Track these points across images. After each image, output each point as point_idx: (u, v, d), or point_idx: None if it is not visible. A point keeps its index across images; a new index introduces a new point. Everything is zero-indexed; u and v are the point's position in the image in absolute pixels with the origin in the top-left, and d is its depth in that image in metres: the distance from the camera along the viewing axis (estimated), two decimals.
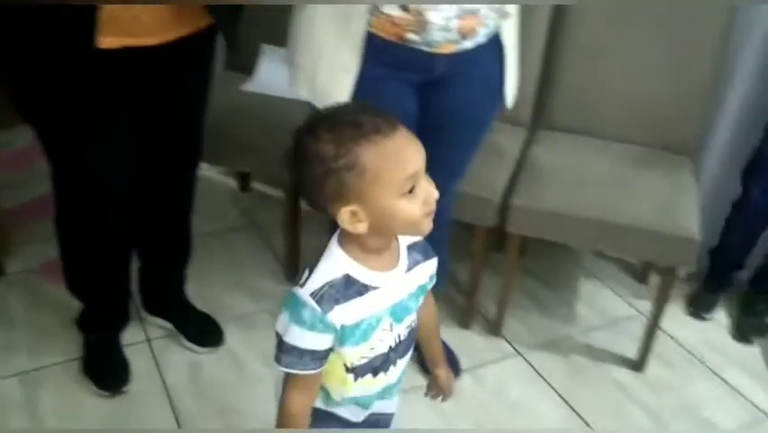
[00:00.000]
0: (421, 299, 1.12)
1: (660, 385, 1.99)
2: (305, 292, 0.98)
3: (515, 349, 2.06)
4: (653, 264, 2.34)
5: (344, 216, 0.93)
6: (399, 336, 1.08)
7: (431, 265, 1.11)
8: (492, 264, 2.13)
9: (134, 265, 1.87)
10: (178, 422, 1.73)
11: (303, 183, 0.95)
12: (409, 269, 1.06)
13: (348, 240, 0.99)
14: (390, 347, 1.07)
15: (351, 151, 0.90)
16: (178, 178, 1.79)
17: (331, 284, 0.97)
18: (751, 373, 2.06)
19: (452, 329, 2.09)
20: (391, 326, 1.06)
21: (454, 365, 1.94)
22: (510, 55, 1.54)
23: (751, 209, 2.12)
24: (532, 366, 2.01)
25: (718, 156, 2.23)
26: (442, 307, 2.09)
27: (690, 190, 1.96)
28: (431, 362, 1.30)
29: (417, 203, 0.94)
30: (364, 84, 1.41)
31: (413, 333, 1.13)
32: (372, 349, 1.05)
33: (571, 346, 2.10)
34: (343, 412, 1.14)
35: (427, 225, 0.97)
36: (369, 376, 1.08)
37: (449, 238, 1.84)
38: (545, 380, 1.96)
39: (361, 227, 0.94)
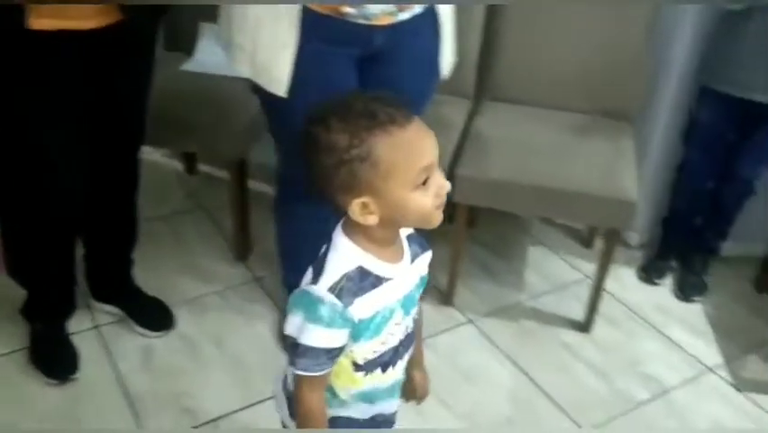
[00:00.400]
0: (421, 291, 1.10)
1: (606, 344, 2.05)
2: (321, 288, 0.94)
3: (466, 317, 2.10)
4: (597, 229, 2.40)
5: (355, 207, 0.91)
6: (407, 329, 1.07)
7: (428, 256, 1.10)
8: (442, 235, 2.15)
9: (79, 251, 1.84)
10: (130, 408, 1.71)
11: (312, 173, 0.92)
12: (413, 260, 1.05)
13: (355, 231, 0.96)
14: (400, 340, 1.05)
15: (364, 141, 0.87)
16: (123, 161, 1.76)
17: (348, 277, 0.94)
18: (693, 330, 2.14)
19: None
20: (402, 318, 1.04)
21: None
22: (446, 24, 1.55)
23: (691, 172, 2.19)
24: (483, 333, 2.05)
25: (662, 124, 2.29)
26: None
27: (629, 155, 2.01)
28: (409, 362, 1.22)
29: (430, 195, 0.91)
30: (305, 59, 1.40)
31: (415, 325, 1.11)
32: (383, 343, 1.03)
33: (520, 312, 2.15)
34: (350, 412, 1.11)
35: (438, 217, 0.94)
36: (378, 371, 1.05)
37: None
38: (496, 345, 2.00)
39: (372, 219, 0.92)
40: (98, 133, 1.62)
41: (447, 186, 0.93)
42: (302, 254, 1.90)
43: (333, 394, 1.07)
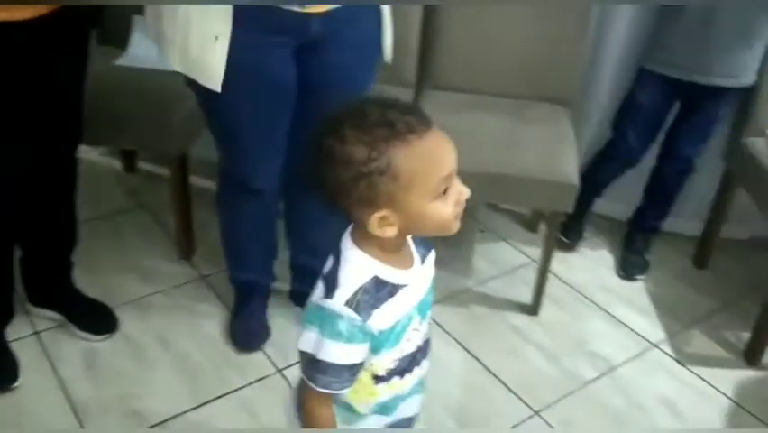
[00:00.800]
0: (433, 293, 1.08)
1: (553, 326, 2.09)
2: (337, 303, 0.90)
3: None
4: (542, 213, 2.44)
5: (374, 221, 0.88)
6: (425, 334, 1.05)
7: (433, 254, 1.07)
8: None
9: (16, 255, 1.77)
10: (75, 414, 1.66)
11: (327, 187, 0.88)
12: (422, 262, 1.02)
13: (366, 241, 0.93)
14: (418, 346, 1.03)
15: (383, 153, 0.83)
16: (60, 161, 1.70)
17: (364, 289, 0.91)
18: (636, 308, 2.20)
19: None
20: (420, 323, 1.02)
21: None
22: (386, 10, 1.54)
23: (623, 150, 2.24)
24: (433, 320, 2.05)
25: (598, 106, 2.33)
26: None
27: (568, 139, 2.04)
28: None
29: (450, 204, 0.89)
30: (239, 51, 1.36)
31: (430, 329, 1.09)
32: (402, 351, 1.00)
33: (469, 298, 2.17)
34: (366, 425, 1.08)
35: (456, 226, 0.92)
36: (396, 379, 1.03)
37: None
38: (447, 331, 2.02)
39: (391, 231, 0.89)
40: (34, 131, 1.56)
41: (467, 192, 0.91)
42: (247, 249, 1.90)
43: (352, 410, 1.05)
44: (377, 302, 0.92)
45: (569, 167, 1.92)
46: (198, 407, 1.71)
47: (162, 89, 1.95)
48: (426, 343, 1.07)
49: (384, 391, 1.03)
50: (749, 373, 1.98)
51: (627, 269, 2.34)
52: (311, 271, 1.96)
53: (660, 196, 2.32)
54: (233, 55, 1.36)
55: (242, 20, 1.34)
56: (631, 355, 2.01)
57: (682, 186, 2.29)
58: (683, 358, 2.01)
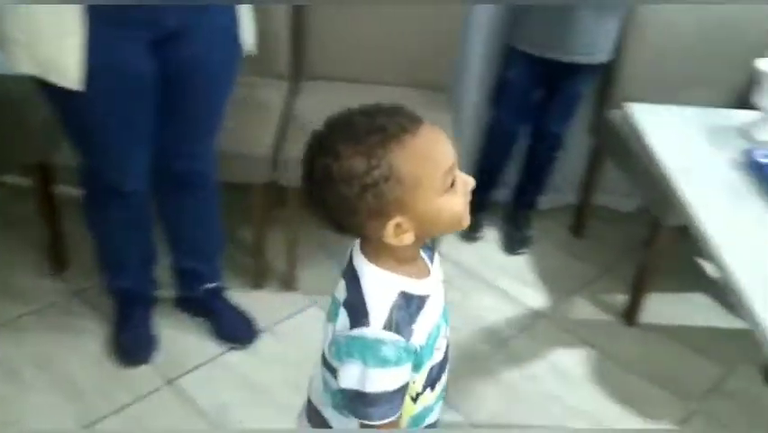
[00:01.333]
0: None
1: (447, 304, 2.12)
2: (375, 329, 0.85)
3: (311, 299, 2.08)
4: None
5: (390, 230, 0.84)
6: (448, 340, 1.01)
7: (438, 257, 1.02)
8: (279, 221, 2.11)
9: None
10: None
11: (331, 209, 0.84)
12: (432, 265, 0.98)
13: (381, 256, 0.89)
14: (444, 354, 1.00)
15: (382, 159, 0.80)
16: None
17: (397, 308, 0.87)
18: (522, 281, 2.28)
19: (246, 291, 2.05)
20: (445, 329, 0.98)
21: (251, 328, 1.92)
22: None
23: (499, 131, 2.30)
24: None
25: (474, 89, 2.37)
26: (233, 271, 2.06)
27: (446, 124, 2.06)
28: None
29: (459, 195, 0.87)
30: (94, 47, 1.28)
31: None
32: (433, 361, 0.96)
33: None
34: None
35: (468, 217, 0.89)
36: (428, 391, 0.99)
37: (224, 201, 1.80)
38: None
39: (408, 238, 0.85)
40: None
41: (471, 181, 0.89)
42: (124, 256, 1.80)
43: None
44: (411, 318, 0.88)
45: None
46: (84, 429, 1.61)
47: (14, 95, 1.80)
48: (448, 348, 1.03)
49: (419, 405, 1.00)
50: (630, 331, 2.11)
51: (512, 245, 2.41)
52: (197, 275, 1.92)
53: (535, 173, 2.41)
54: (89, 51, 1.28)
55: (94, 15, 1.26)
56: (522, 326, 2.08)
57: (554, 162, 2.38)
58: (569, 325, 2.11)
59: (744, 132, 1.60)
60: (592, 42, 2.08)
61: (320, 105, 2.08)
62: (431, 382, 0.98)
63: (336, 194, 0.82)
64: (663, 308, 2.17)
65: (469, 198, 0.89)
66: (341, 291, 0.91)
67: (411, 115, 0.85)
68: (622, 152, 2.14)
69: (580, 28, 2.03)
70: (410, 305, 0.89)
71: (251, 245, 2.12)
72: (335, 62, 2.21)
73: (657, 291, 2.13)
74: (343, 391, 0.89)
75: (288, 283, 2.11)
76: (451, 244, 2.36)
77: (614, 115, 2.20)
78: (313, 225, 2.28)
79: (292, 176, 1.88)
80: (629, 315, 2.13)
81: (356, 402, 0.89)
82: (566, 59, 2.09)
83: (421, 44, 2.19)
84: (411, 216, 0.84)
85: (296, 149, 1.85)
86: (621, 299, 2.18)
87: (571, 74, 2.15)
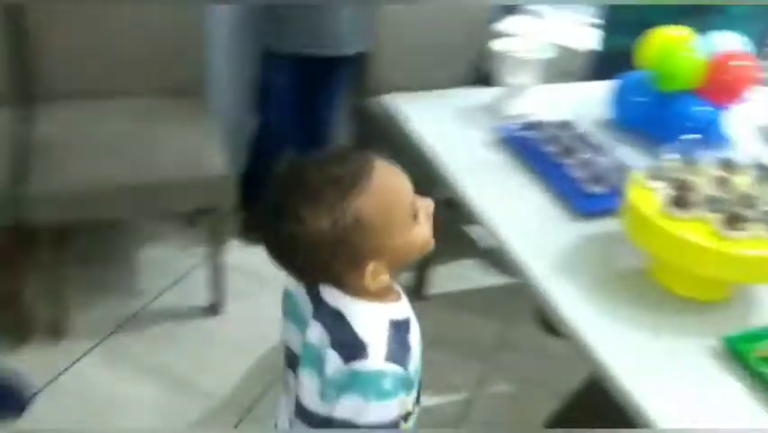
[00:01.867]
0: None
1: (240, 318, 2.05)
2: (375, 363, 0.84)
3: (85, 346, 1.88)
4: (203, 210, 2.33)
5: (368, 277, 0.84)
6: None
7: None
8: (37, 264, 1.88)
9: None
10: None
11: (306, 270, 0.86)
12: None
13: (360, 289, 0.87)
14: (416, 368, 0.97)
15: (347, 210, 0.80)
16: None
17: (391, 338, 0.87)
18: None
19: (10, 351, 1.80)
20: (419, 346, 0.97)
21: (18, 400, 1.68)
22: None
23: (268, 135, 2.26)
24: (113, 354, 1.86)
25: (228, 92, 2.31)
26: None
27: (207, 130, 1.97)
28: None
29: (423, 222, 0.89)
30: None
31: None
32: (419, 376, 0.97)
33: (147, 317, 2.01)
34: None
35: (432, 239, 0.91)
36: (416, 408, 0.98)
37: None
38: (130, 362, 1.85)
39: (385, 278, 0.86)
40: None
41: (431, 203, 0.90)
42: None
43: None
44: (405, 344, 0.90)
45: (215, 159, 1.86)
46: None
47: None
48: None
49: (410, 424, 0.99)
50: (420, 305, 2.19)
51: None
52: None
53: None
54: None
55: None
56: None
57: None
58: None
59: (491, 108, 1.72)
60: (347, 34, 2.11)
61: (64, 129, 1.90)
62: (417, 399, 0.99)
63: (309, 257, 0.83)
64: (443, 277, 2.28)
65: (431, 220, 0.91)
66: (315, 335, 0.88)
67: (360, 157, 0.85)
68: (383, 138, 2.20)
69: (333, 20, 2.05)
70: (400, 330, 0.90)
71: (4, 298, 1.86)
72: (70, 77, 1.98)
73: (435, 264, 2.23)
74: (329, 421, 0.87)
75: (58, 332, 1.89)
76: (238, 251, 2.26)
77: (372, 104, 2.26)
78: (78, 263, 2.09)
79: (41, 213, 1.69)
80: (418, 290, 2.22)
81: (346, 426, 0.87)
82: (322, 53, 2.10)
83: (161, 45, 2.05)
84: (385, 257, 0.86)
85: (43, 183, 1.68)
86: (407, 276, 2.25)
87: (330, 67, 2.17)
